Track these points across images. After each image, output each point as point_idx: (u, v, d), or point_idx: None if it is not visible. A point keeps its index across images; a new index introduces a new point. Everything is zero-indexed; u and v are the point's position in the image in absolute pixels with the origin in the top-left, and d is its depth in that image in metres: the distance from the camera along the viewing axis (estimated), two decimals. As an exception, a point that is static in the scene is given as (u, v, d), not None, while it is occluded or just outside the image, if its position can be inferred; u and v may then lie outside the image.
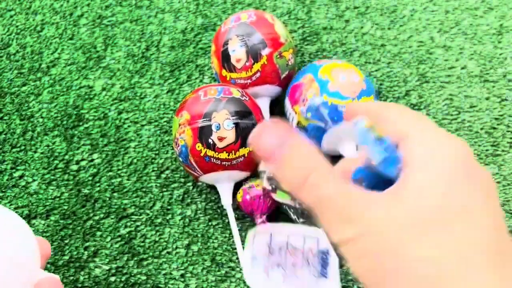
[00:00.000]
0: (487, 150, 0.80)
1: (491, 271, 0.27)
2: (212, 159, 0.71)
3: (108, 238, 0.77)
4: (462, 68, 0.88)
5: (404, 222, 0.28)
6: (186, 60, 0.92)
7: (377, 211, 0.29)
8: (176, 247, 0.76)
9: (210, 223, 0.77)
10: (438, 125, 0.83)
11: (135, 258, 0.75)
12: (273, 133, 0.30)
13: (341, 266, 0.71)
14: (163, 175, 0.82)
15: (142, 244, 0.76)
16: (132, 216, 0.79)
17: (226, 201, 0.74)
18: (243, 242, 0.75)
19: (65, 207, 0.80)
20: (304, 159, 0.30)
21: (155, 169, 0.82)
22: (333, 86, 0.72)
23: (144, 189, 0.81)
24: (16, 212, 0.80)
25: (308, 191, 0.29)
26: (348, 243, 0.29)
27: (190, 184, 0.81)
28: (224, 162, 0.71)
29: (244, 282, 0.73)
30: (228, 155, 0.71)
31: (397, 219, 0.28)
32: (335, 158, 0.74)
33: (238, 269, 0.74)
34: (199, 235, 0.77)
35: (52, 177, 0.82)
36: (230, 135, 0.71)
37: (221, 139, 0.71)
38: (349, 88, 0.71)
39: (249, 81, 0.79)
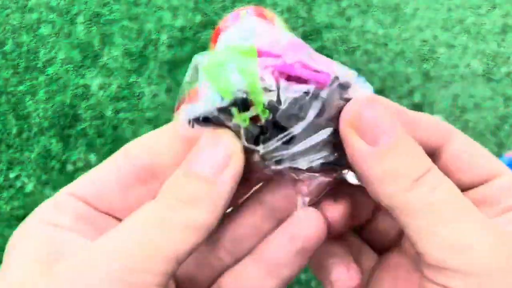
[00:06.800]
0: (491, 150, 0.80)
1: None
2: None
3: (105, 240, 0.76)
4: (466, 67, 0.88)
5: None
6: (185, 58, 0.92)
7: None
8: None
9: (209, 225, 0.77)
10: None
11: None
12: (385, 110, 0.21)
13: None
14: (161, 176, 0.81)
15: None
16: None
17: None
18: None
19: (62, 209, 0.79)
20: (420, 152, 0.21)
21: (153, 169, 0.82)
22: None
23: (142, 190, 0.80)
24: (11, 213, 0.79)
25: (419, 192, 0.21)
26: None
27: (189, 185, 0.80)
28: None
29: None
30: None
31: None
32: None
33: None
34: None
35: (49, 178, 0.82)
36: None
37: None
38: None
39: (249, 80, 0.78)
